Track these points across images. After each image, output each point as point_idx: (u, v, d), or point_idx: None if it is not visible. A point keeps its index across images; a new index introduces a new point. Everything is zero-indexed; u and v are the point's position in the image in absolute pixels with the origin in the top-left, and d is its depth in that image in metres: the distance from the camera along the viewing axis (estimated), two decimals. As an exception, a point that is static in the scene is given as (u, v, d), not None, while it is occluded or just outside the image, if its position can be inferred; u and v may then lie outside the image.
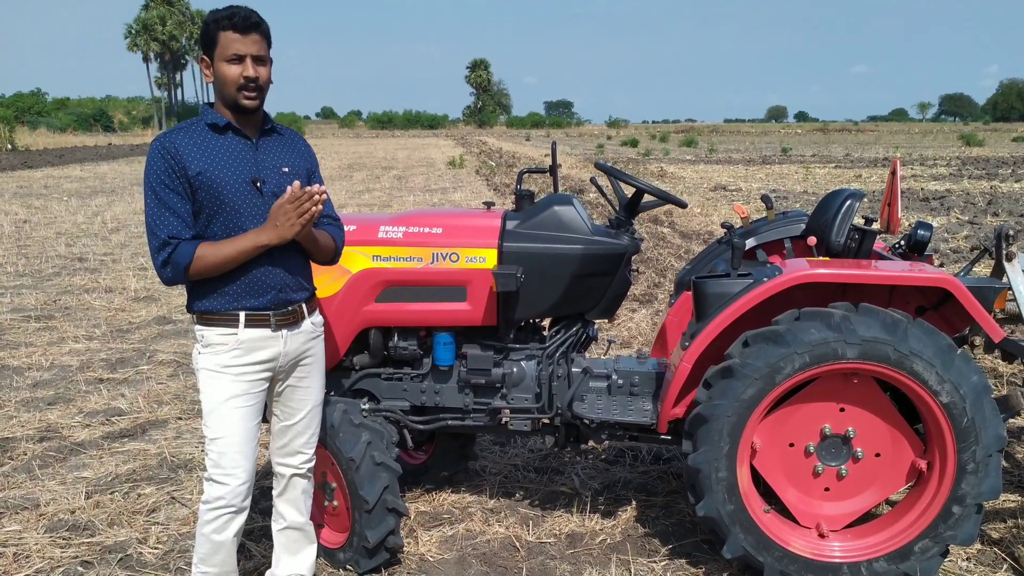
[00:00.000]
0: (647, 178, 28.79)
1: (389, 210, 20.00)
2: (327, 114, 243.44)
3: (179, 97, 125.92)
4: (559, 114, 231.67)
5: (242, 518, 3.72)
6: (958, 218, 17.80)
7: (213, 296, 3.58)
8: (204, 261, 3.44)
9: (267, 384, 3.75)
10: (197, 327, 3.66)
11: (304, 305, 3.80)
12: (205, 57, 3.58)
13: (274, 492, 4.10)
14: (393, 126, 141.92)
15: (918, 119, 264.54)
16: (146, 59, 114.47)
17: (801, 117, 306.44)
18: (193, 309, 3.65)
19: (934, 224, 16.63)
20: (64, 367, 8.29)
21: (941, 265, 12.11)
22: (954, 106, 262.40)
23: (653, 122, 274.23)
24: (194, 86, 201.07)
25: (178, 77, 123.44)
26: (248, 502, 3.73)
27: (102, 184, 28.66)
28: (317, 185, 3.52)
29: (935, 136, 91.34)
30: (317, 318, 3.94)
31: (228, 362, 3.60)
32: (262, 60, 3.56)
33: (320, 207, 3.47)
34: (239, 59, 3.50)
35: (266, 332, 3.65)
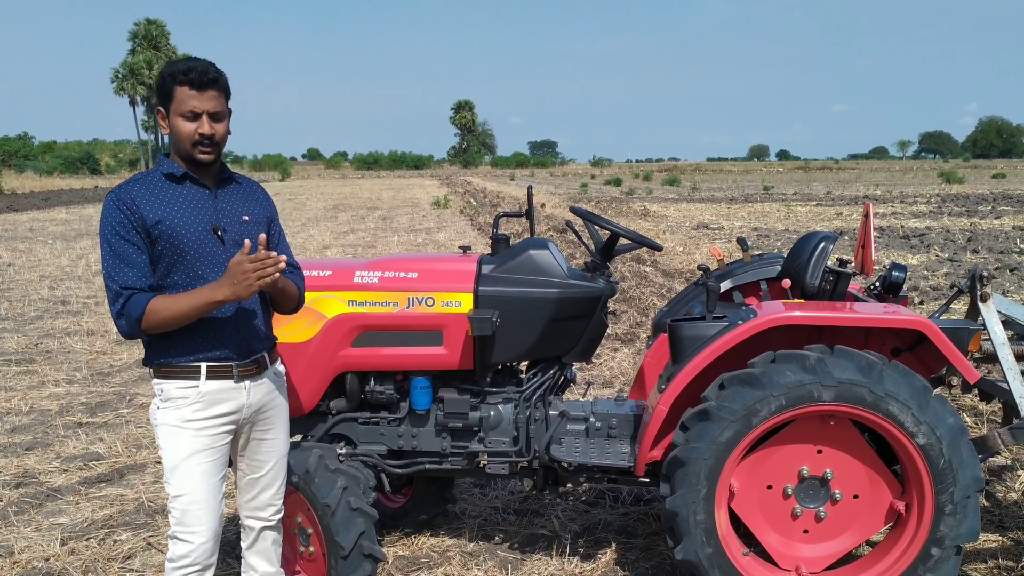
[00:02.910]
0: (630, 217, 28.91)
1: (374, 251, 20.03)
2: (313, 155, 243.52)
3: (165, 140, 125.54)
4: (543, 154, 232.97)
5: (209, 575, 3.63)
6: (938, 255, 17.88)
7: (172, 348, 3.48)
8: (157, 315, 3.34)
9: (230, 437, 3.64)
10: (155, 380, 3.54)
11: (267, 355, 3.72)
12: (161, 109, 3.49)
13: (243, 545, 3.98)
14: (379, 167, 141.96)
15: (898, 157, 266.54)
16: (133, 103, 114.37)
17: (783, 155, 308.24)
18: (151, 362, 3.54)
19: (914, 261, 16.71)
20: (43, 411, 8.23)
21: (922, 302, 12.17)
22: (934, 144, 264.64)
23: (636, 161, 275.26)
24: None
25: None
26: (214, 558, 3.62)
27: (87, 227, 28.54)
28: (275, 253, 3.35)
29: (915, 173, 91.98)
30: (280, 367, 3.86)
31: (189, 416, 3.49)
32: (219, 116, 3.49)
33: (279, 274, 3.34)
34: (195, 116, 3.43)
35: (228, 384, 3.55)
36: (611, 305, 12.02)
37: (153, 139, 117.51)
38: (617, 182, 67.39)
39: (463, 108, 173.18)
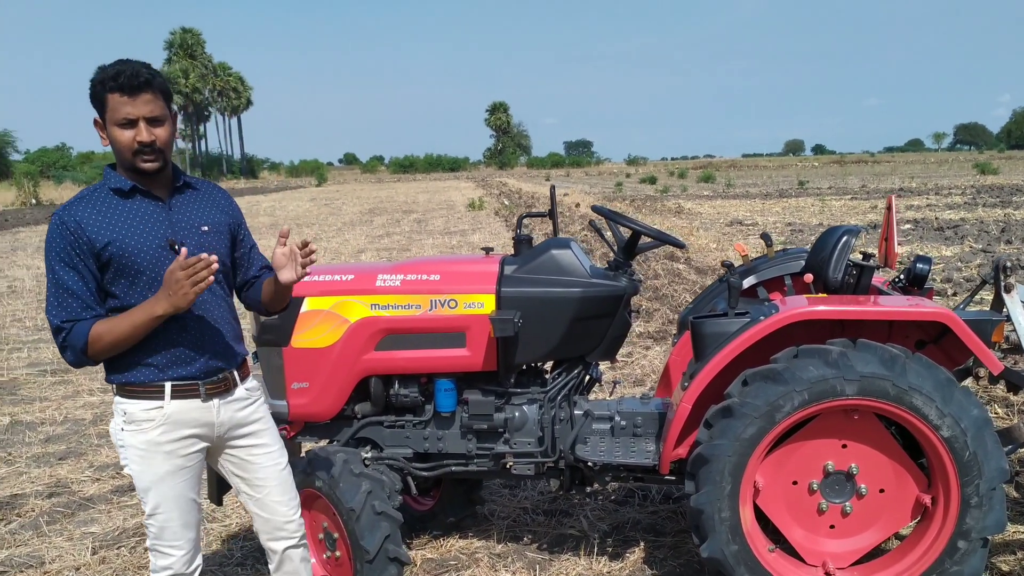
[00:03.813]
0: (664, 215, 28.80)
1: (408, 253, 20.08)
2: (349, 160, 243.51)
3: (203, 148, 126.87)
4: (579, 153, 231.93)
5: None
6: (972, 247, 17.68)
7: (135, 367, 3.29)
8: (102, 341, 3.15)
9: (203, 454, 3.48)
10: (118, 400, 3.35)
11: (236, 372, 3.52)
12: (98, 119, 3.27)
13: (270, 567, 3.80)
14: (415, 170, 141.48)
15: (934, 149, 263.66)
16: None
17: (818, 150, 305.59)
18: (113, 381, 3.35)
19: (948, 253, 16.55)
20: (77, 421, 8.32)
21: (955, 294, 12.06)
22: (969, 135, 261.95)
23: (672, 159, 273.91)
24: (217, 137, 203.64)
25: (201, 128, 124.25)
26: (198, 562, 3.52)
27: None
28: (205, 255, 3.07)
29: (951, 165, 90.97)
30: (251, 383, 3.62)
31: (157, 439, 3.31)
32: (158, 120, 3.24)
33: (212, 276, 3.08)
34: (131, 123, 3.19)
35: (196, 403, 3.36)
36: (640, 303, 12.00)
37: (191, 148, 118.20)
38: (652, 180, 67.09)
39: (498, 110, 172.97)
